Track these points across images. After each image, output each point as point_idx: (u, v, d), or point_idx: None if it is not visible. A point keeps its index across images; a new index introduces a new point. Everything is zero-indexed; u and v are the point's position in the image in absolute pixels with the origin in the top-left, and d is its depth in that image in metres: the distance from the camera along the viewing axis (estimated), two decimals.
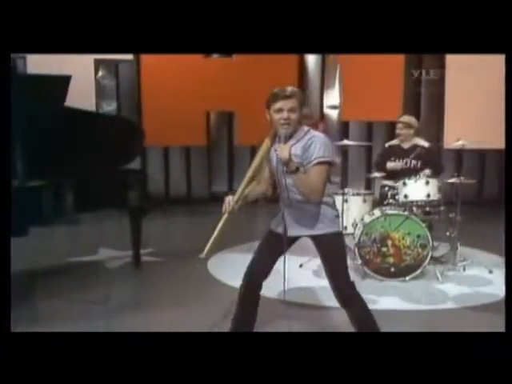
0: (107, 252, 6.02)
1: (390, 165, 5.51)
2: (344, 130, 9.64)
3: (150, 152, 9.45)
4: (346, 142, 5.60)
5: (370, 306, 4.34)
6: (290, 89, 2.89)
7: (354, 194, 5.51)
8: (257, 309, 3.18)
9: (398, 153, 5.58)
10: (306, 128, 2.97)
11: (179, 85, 8.76)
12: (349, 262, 5.08)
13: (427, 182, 5.00)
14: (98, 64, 9.07)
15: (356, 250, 5.01)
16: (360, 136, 9.40)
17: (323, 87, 9.39)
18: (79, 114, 4.80)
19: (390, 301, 4.51)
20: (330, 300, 4.38)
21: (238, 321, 3.19)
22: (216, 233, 2.82)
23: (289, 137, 2.89)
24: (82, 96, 8.02)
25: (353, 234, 5.26)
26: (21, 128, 4.18)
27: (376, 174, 5.59)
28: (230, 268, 4.79)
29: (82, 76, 8.27)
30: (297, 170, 2.80)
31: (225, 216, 2.84)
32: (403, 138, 5.57)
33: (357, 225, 5.27)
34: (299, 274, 5.26)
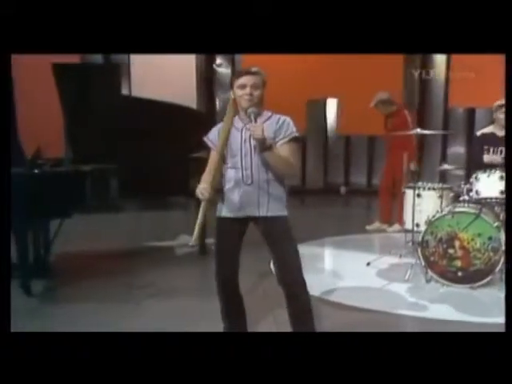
0: (186, 238, 6.15)
1: (488, 158, 4.89)
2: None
3: None
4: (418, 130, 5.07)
5: (416, 313, 3.95)
6: (254, 67, 2.85)
7: (428, 189, 4.95)
8: (243, 305, 3.07)
9: (494, 142, 4.91)
10: (269, 111, 2.91)
11: (281, 75, 8.78)
12: (412, 260, 4.71)
13: (502, 177, 4.33)
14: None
15: (419, 249, 4.54)
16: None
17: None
18: (138, 102, 4.92)
19: (439, 309, 4.02)
20: (371, 302, 4.10)
21: (229, 321, 3.08)
22: (199, 220, 2.81)
23: (258, 115, 2.82)
24: (183, 86, 8.36)
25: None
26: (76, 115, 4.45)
27: (446, 166, 4.97)
28: None
29: (183, 67, 8.55)
30: (270, 147, 2.75)
31: (204, 203, 2.81)
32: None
33: None
34: (362, 273, 4.96)
